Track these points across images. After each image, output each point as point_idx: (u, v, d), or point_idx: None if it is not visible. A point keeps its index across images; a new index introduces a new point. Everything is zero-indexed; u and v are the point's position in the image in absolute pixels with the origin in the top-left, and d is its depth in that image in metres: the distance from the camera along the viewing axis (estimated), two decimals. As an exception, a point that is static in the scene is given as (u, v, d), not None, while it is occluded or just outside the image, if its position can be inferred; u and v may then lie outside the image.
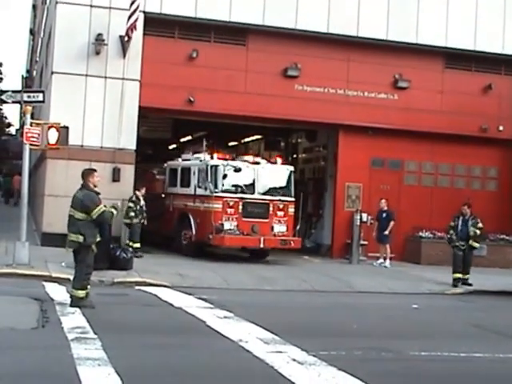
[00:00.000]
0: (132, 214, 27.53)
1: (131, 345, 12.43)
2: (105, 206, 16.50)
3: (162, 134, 39.88)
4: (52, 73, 28.39)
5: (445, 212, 29.29)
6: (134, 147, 28.61)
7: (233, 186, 27.81)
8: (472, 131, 32.35)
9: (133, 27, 26.87)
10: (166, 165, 31.46)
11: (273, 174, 28.53)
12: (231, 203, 27.32)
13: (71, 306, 16.27)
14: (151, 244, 29.83)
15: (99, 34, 27.66)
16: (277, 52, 30.39)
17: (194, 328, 14.71)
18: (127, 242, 27.53)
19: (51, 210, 27.31)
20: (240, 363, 11.58)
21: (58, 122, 23.38)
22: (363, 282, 24.42)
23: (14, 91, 24.60)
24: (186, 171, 29.45)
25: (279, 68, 30.54)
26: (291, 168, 29.12)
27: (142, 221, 27.97)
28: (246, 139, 39.36)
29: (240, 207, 27.52)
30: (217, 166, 27.47)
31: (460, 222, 24.52)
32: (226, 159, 28.06)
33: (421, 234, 30.90)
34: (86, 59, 27.85)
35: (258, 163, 28.35)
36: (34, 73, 55.58)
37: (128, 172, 28.50)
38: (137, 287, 20.67)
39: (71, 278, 19.51)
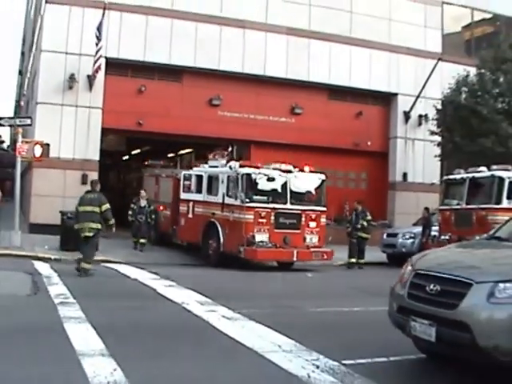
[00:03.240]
0: (129, 212, 24.92)
1: (101, 307, 12.44)
2: None
3: (118, 147, 39.67)
4: (37, 103, 28.19)
5: (329, 205, 29.81)
6: (97, 158, 28.42)
7: (265, 195, 21.29)
8: (348, 145, 32.76)
9: (97, 69, 26.92)
10: (191, 171, 24.66)
11: (305, 182, 22.10)
12: (263, 214, 20.88)
13: (80, 276, 16.98)
14: (180, 248, 25.26)
15: (72, 74, 27.56)
16: (204, 86, 30.40)
17: (147, 294, 14.73)
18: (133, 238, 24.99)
19: (36, 207, 27.21)
20: (184, 319, 11.71)
21: (41, 140, 23.38)
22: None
23: (9, 117, 24.75)
24: (214, 179, 22.69)
25: (206, 98, 30.53)
26: (323, 176, 22.58)
27: (141, 220, 24.60)
28: (181, 152, 39.23)
29: (272, 218, 20.99)
30: (249, 175, 21.11)
31: (354, 217, 23.94)
32: (257, 167, 21.70)
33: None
34: (62, 93, 27.62)
35: (289, 171, 21.84)
36: (22, 103, 55.01)
37: (93, 176, 27.87)
38: (102, 264, 20.38)
39: (53, 257, 19.93)
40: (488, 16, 37.28)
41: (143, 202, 25.12)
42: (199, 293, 14.53)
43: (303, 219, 21.50)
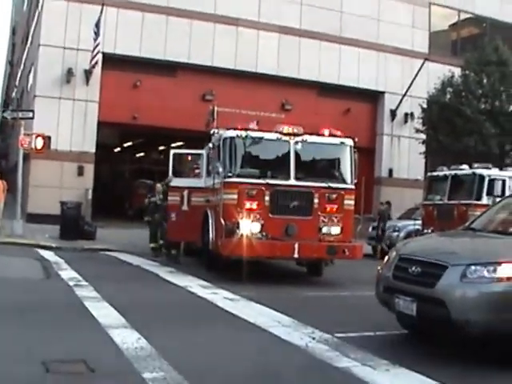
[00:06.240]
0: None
1: (113, 288, 13.55)
2: None
3: (112, 140, 40.58)
4: (35, 96, 29.33)
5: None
6: (93, 150, 29.65)
7: (257, 167, 15.75)
8: (336, 141, 33.65)
9: (94, 64, 28.11)
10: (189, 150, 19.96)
11: (319, 149, 16.28)
12: (253, 192, 15.18)
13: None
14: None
15: (70, 68, 28.87)
16: (198, 82, 31.47)
17: (151, 278, 15.87)
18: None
19: (34, 197, 28.33)
20: (189, 299, 12.88)
21: (42, 133, 24.41)
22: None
23: (11, 110, 25.85)
24: (211, 155, 17.44)
25: (199, 94, 31.50)
26: (349, 141, 16.35)
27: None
28: (173, 144, 40.05)
29: (266, 198, 15.22)
30: (232, 139, 15.68)
31: None
32: (247, 129, 15.74)
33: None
34: (60, 86, 28.94)
35: (296, 134, 15.72)
36: (13, 95, 55.86)
37: (89, 168, 29.52)
38: (101, 252, 21.45)
39: (54, 245, 21.04)
40: (474, 16, 38.64)
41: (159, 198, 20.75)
42: (200, 278, 15.60)
43: (316, 201, 15.65)
